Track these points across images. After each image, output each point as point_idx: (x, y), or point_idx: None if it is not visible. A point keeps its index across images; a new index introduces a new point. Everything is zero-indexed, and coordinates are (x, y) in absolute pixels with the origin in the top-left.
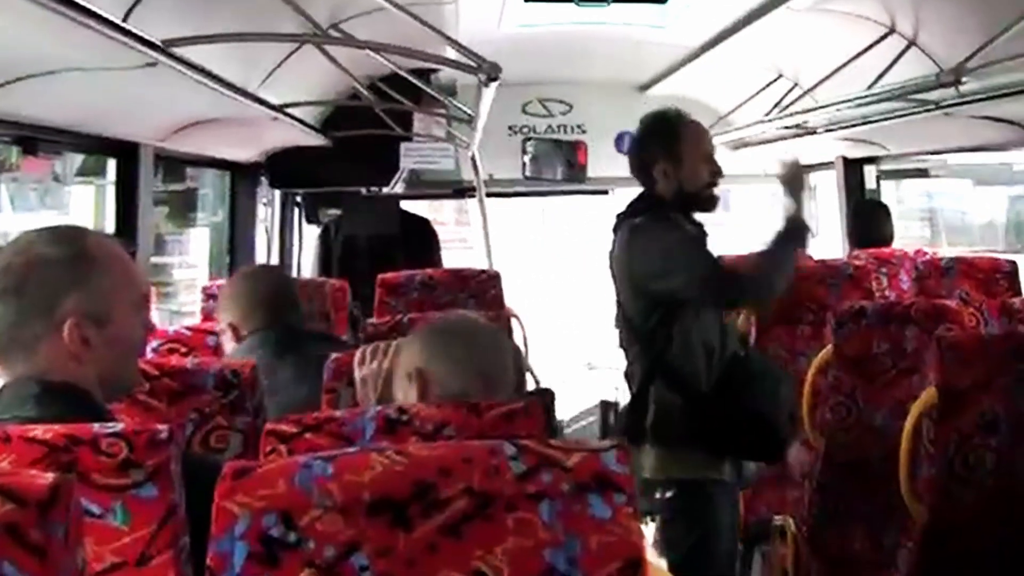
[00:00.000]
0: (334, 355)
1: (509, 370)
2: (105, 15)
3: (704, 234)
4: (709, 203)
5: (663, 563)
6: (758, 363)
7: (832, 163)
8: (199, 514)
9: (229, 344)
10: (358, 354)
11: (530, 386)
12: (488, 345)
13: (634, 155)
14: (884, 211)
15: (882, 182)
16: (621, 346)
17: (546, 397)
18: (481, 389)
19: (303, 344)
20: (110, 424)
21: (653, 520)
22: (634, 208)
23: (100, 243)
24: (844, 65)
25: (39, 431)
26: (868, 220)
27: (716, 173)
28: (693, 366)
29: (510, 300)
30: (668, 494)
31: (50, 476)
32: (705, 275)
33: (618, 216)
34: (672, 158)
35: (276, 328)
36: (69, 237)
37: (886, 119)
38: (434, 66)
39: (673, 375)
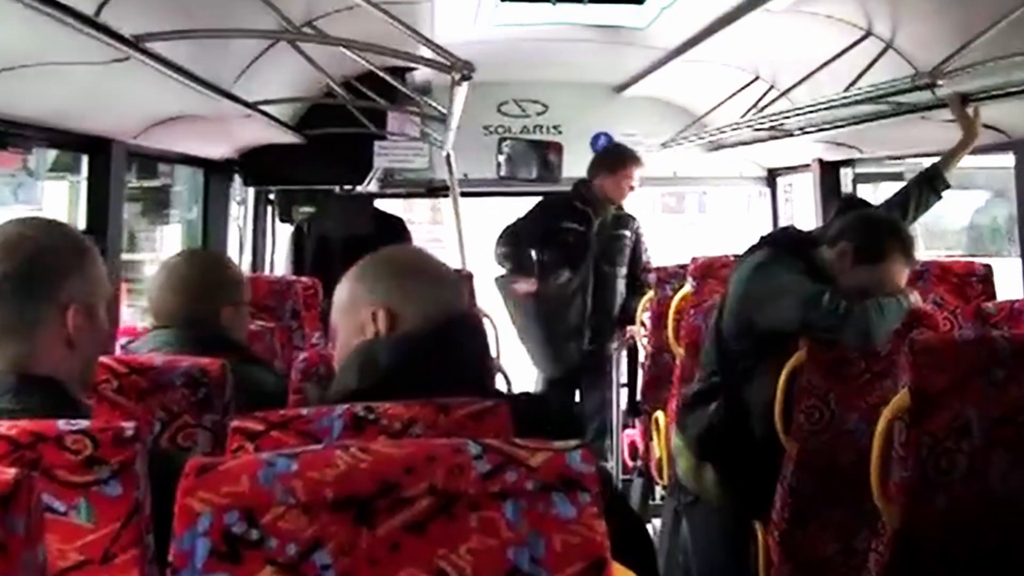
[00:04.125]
0: (302, 355)
1: (465, 300)
2: (77, 9)
3: None
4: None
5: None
6: None
7: (808, 165)
8: (165, 510)
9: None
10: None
11: (501, 387)
12: (451, 283)
13: (844, 227)
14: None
15: (858, 185)
16: (707, 347)
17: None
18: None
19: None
20: (75, 421)
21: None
22: (776, 242)
23: (83, 236)
24: (821, 67)
25: (3, 427)
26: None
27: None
28: (760, 408)
29: (482, 300)
30: (688, 499)
31: (11, 472)
32: (810, 295)
33: (760, 239)
34: (863, 261)
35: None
36: (58, 227)
37: (863, 122)
38: (408, 65)
39: (736, 402)
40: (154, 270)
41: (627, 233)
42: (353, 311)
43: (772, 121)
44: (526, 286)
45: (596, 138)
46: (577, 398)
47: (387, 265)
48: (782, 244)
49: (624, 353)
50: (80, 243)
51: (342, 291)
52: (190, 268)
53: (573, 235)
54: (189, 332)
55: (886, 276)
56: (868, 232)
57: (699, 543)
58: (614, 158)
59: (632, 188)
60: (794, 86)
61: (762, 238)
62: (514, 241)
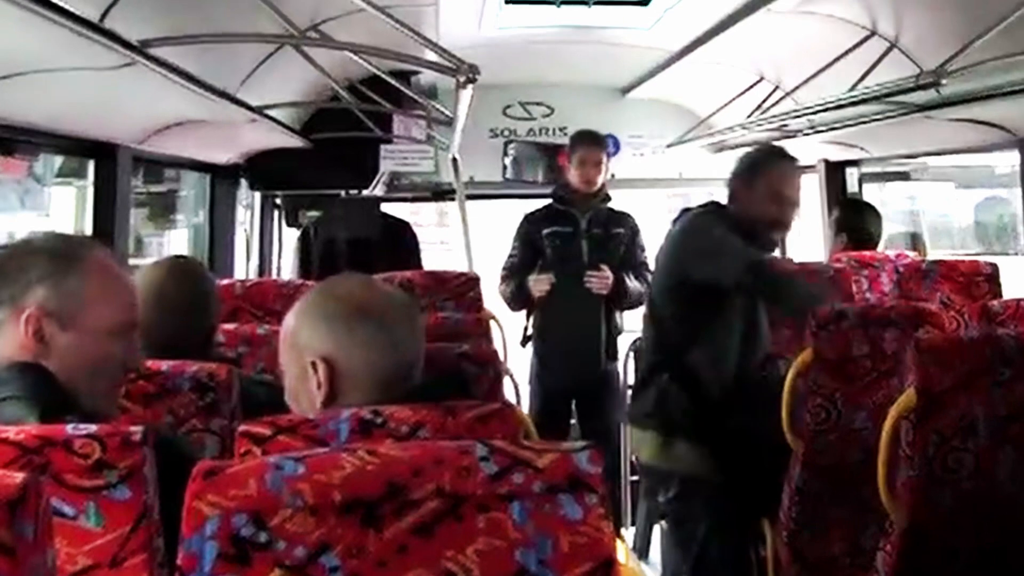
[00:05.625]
0: None
1: (422, 344)
2: (81, 15)
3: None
4: (767, 242)
5: (642, 565)
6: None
7: (814, 166)
8: (173, 502)
9: None
10: None
11: (508, 389)
12: (403, 320)
13: (732, 173)
14: (873, 211)
15: (864, 185)
16: (644, 332)
17: None
18: (399, 375)
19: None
20: (83, 425)
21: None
22: (702, 206)
23: (96, 253)
24: (826, 68)
25: (11, 432)
26: (861, 218)
27: (780, 219)
28: (708, 369)
29: (489, 303)
30: (671, 493)
31: (19, 476)
32: (753, 261)
33: (683, 210)
34: (747, 184)
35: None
36: (68, 239)
37: (868, 121)
38: (413, 68)
39: (684, 371)
40: None
41: (621, 231)
42: (294, 353)
43: (777, 122)
44: (541, 285)
45: None
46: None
47: (328, 306)
48: (705, 206)
49: (632, 356)
50: (71, 254)
51: (285, 328)
52: (176, 282)
53: (560, 238)
54: (174, 356)
55: (782, 181)
56: (746, 155)
57: (690, 533)
58: (567, 147)
59: (595, 170)
60: (799, 86)
61: (683, 210)
62: (506, 276)
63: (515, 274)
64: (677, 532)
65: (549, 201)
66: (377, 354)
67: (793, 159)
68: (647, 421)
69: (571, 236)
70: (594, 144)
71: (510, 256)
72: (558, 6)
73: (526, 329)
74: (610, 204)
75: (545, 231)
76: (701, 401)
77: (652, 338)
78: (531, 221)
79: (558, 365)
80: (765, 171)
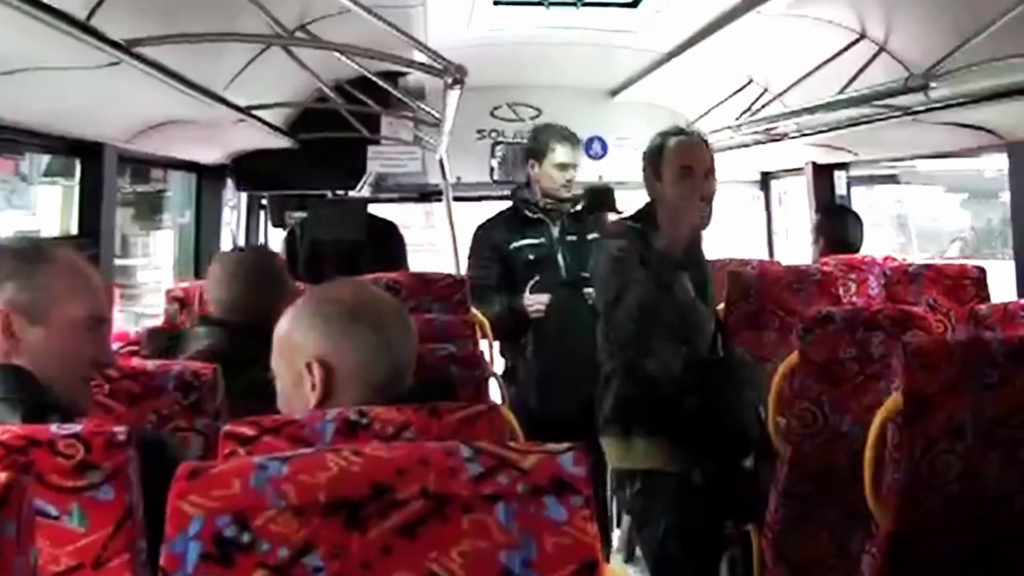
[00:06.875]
0: None
1: (415, 347)
2: (68, 14)
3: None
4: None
5: (628, 569)
6: (732, 364)
7: (802, 169)
8: (158, 499)
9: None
10: None
11: (495, 392)
12: (397, 324)
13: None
14: (854, 217)
15: (853, 188)
16: (599, 343)
17: None
18: (392, 378)
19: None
20: (67, 425)
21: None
22: (631, 216)
23: (63, 253)
24: (815, 70)
25: None
26: (838, 224)
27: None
28: (657, 369)
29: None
30: (634, 489)
31: (3, 475)
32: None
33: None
34: (656, 175)
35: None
36: (34, 240)
37: (856, 124)
38: (401, 69)
39: (635, 374)
40: (147, 275)
41: (597, 235)
42: (289, 358)
43: (766, 124)
44: (538, 305)
45: (590, 142)
46: None
47: (323, 309)
48: (620, 231)
49: None
50: (38, 252)
51: (279, 331)
52: (254, 260)
53: (533, 251)
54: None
55: (684, 154)
56: (643, 155)
57: (652, 531)
58: (535, 143)
59: (575, 172)
60: (788, 89)
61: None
62: (482, 296)
63: (494, 294)
64: (640, 532)
65: (507, 207)
66: (371, 356)
67: (689, 132)
68: (608, 427)
69: (546, 247)
70: (576, 142)
71: (478, 275)
72: (547, 8)
73: (516, 361)
74: (578, 207)
75: (513, 244)
76: (654, 396)
77: (604, 347)
78: (493, 230)
79: (553, 393)
80: (665, 153)
